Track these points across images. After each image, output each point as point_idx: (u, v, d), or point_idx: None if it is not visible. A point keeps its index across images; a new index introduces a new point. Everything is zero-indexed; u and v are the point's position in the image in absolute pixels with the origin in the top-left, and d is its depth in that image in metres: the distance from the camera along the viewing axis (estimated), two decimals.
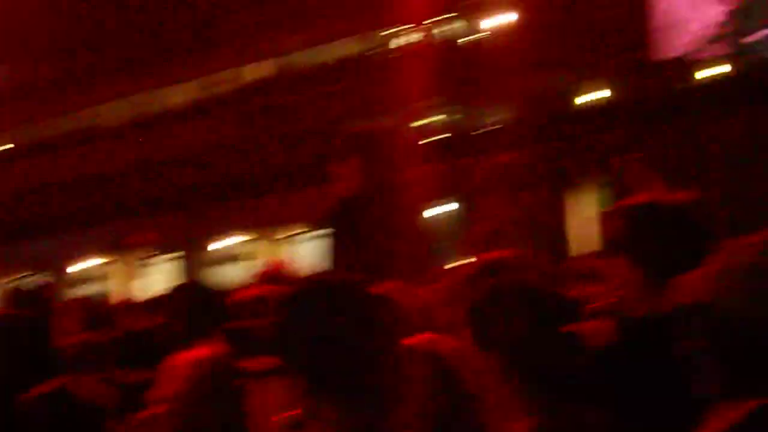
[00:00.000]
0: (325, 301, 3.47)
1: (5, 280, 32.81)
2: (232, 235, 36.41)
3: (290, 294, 3.62)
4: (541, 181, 28.40)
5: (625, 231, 4.75)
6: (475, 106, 34.86)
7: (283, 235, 35.80)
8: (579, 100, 32.29)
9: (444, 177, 32.95)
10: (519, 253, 5.64)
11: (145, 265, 37.62)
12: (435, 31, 37.20)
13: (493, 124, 34.65)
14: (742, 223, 4.65)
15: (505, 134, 32.03)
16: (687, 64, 28.12)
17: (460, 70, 33.42)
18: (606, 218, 5.19)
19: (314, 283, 3.78)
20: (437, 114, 36.96)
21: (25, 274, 36.16)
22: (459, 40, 36.20)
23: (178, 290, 7.48)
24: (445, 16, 37.19)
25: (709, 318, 3.00)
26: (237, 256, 35.86)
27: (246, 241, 36.54)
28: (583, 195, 30.26)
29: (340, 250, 7.46)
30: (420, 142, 35.04)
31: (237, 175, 35.25)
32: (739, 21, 26.67)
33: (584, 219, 29.47)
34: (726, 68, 28.07)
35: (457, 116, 35.61)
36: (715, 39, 27.73)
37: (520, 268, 5.35)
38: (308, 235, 33.14)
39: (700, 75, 28.59)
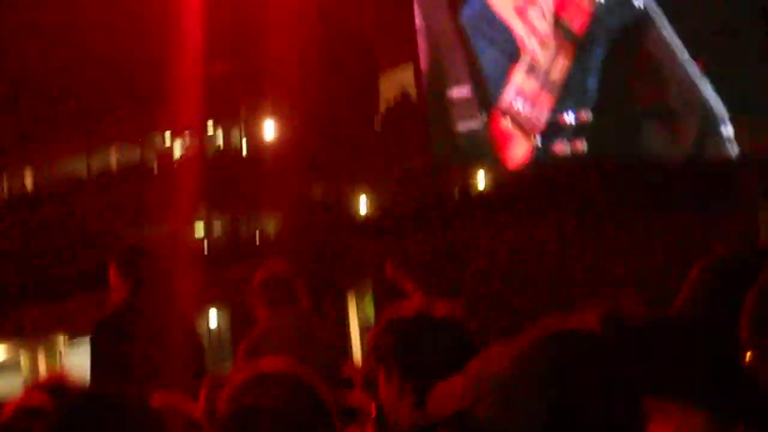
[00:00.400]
0: (94, 415, 3.43)
1: None
2: None
3: (59, 408, 3.56)
4: (317, 290, 28.55)
5: (390, 344, 4.84)
6: (249, 214, 35.03)
7: (54, 344, 35.00)
8: (360, 209, 32.83)
9: (216, 285, 33.01)
10: (283, 365, 5.67)
11: None
12: (210, 138, 37.34)
13: (266, 233, 34.90)
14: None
15: (279, 243, 32.23)
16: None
17: (236, 177, 33.60)
18: (372, 332, 5.27)
19: (83, 397, 3.72)
20: (211, 222, 37.05)
21: None
22: (235, 148, 36.42)
23: None
24: (218, 123, 37.44)
25: (467, 428, 3.06)
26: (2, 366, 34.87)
27: (12, 350, 35.56)
28: (361, 303, 30.62)
29: (111, 360, 7.40)
30: (192, 251, 34.97)
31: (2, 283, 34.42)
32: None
33: (362, 327, 29.83)
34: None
35: (231, 224, 35.71)
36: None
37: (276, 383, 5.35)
38: (80, 343, 32.47)
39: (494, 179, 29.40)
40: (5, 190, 38.31)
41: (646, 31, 11.48)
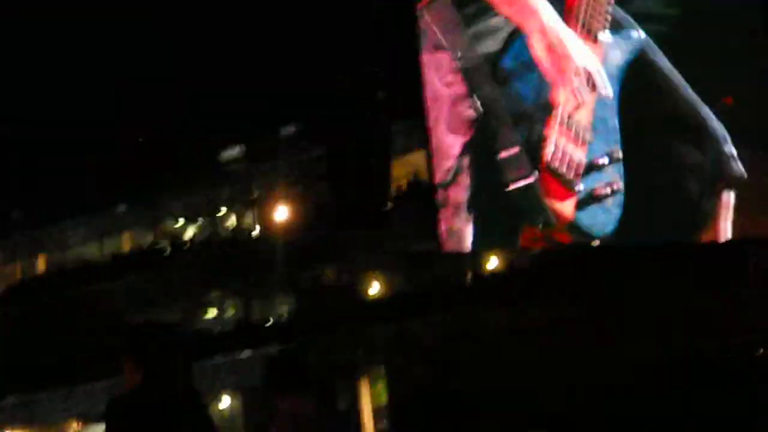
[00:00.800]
0: None
1: None
2: None
3: None
4: (329, 376, 28.58)
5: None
6: (259, 298, 35.15)
7: (67, 429, 34.99)
8: (371, 291, 32.95)
9: (228, 369, 33.10)
10: None
11: None
12: (218, 225, 37.59)
13: (277, 316, 34.98)
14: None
15: (291, 324, 32.34)
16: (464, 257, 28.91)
17: (248, 261, 33.74)
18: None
19: None
20: (222, 306, 37.14)
21: None
22: (243, 234, 36.63)
23: None
24: (225, 211, 37.72)
25: None
26: None
27: None
28: (374, 388, 30.62)
29: None
30: (204, 334, 35.05)
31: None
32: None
33: (375, 411, 29.85)
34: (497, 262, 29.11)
35: (242, 308, 35.81)
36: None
37: None
38: (93, 429, 32.53)
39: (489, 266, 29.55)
40: (18, 273, 38.53)
41: (649, 60, 11.75)
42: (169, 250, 37.96)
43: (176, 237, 38.86)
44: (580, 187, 11.70)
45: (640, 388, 21.01)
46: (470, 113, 11.68)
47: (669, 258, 21.67)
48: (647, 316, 23.08)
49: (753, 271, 21.28)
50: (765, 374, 21.26)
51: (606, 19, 11.35)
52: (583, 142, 11.70)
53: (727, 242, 14.19)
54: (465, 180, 12.18)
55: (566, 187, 11.58)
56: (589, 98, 11.24)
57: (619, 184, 11.31)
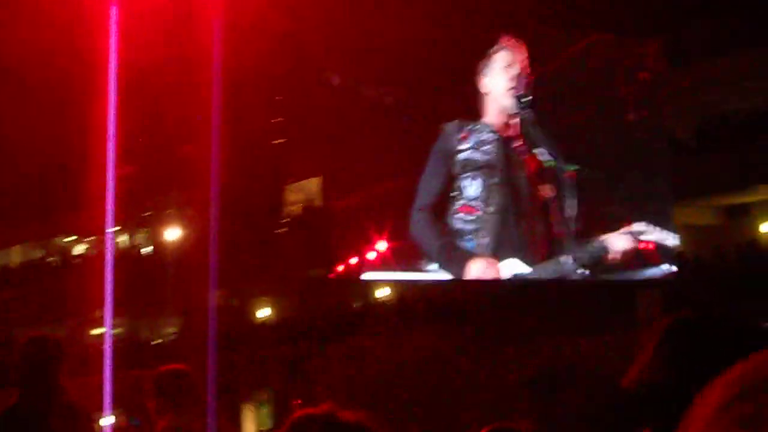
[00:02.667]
0: None
1: None
2: None
3: None
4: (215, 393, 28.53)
5: None
6: (151, 316, 35.04)
7: None
8: (258, 315, 33.05)
9: (119, 387, 32.70)
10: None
11: None
12: (116, 240, 37.30)
13: (168, 335, 34.89)
14: None
15: (180, 345, 32.24)
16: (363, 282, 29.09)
17: (138, 280, 33.60)
18: None
19: None
20: (113, 323, 36.89)
21: None
22: (140, 251, 36.53)
23: None
24: (123, 227, 37.52)
25: None
26: None
27: None
28: (258, 411, 30.66)
29: None
30: (95, 351, 34.75)
31: None
32: None
33: None
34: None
35: (133, 326, 35.64)
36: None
37: None
38: None
39: (378, 293, 29.83)
40: None
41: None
42: (58, 265, 37.71)
43: (66, 253, 38.63)
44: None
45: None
46: None
47: (552, 291, 22.10)
48: (527, 347, 23.50)
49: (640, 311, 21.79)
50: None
51: None
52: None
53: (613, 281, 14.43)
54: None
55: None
56: None
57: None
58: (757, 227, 24.62)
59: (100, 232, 34.57)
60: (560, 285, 17.54)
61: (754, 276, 22.29)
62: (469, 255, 10.54)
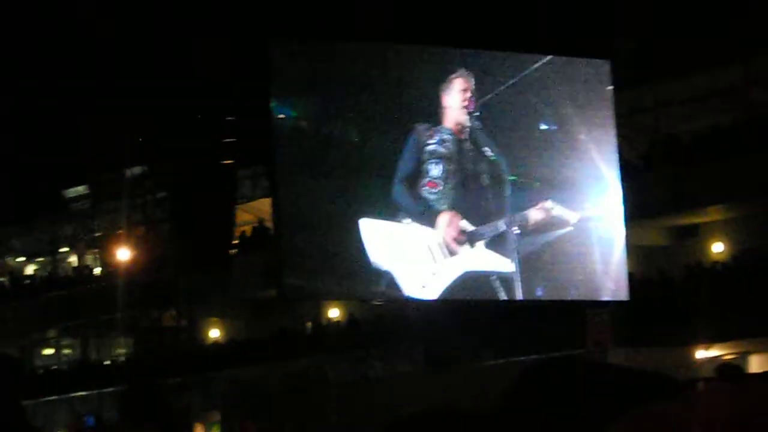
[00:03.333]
0: None
1: None
2: None
3: None
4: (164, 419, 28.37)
5: None
6: (98, 338, 34.92)
7: None
8: (211, 336, 32.97)
9: (63, 407, 32.63)
10: None
11: None
12: (60, 263, 37.27)
13: (114, 357, 34.72)
14: None
15: (128, 366, 32.15)
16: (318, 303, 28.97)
17: (89, 302, 33.42)
18: None
19: None
20: (59, 345, 36.67)
21: None
22: (84, 273, 36.33)
23: None
24: (67, 249, 37.41)
25: None
26: None
27: None
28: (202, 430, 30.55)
29: None
30: (41, 372, 34.58)
31: None
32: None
33: None
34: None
35: (80, 348, 35.49)
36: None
37: None
38: None
39: (332, 314, 29.78)
40: None
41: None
42: (8, 285, 37.47)
43: (16, 273, 38.34)
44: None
45: None
46: None
47: (501, 311, 22.25)
48: (475, 366, 23.61)
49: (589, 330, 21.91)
50: None
51: None
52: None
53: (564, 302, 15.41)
54: None
55: None
56: None
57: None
58: (706, 248, 24.80)
59: (50, 252, 34.07)
60: (510, 305, 17.75)
61: (702, 297, 22.47)
62: (437, 211, 14.58)
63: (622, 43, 23.13)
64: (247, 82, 23.86)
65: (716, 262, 24.00)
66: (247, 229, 31.99)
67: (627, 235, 16.23)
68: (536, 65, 15.59)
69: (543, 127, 15.63)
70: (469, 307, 20.30)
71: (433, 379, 24.14)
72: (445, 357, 24.86)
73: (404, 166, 14.58)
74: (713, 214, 24.49)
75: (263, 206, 29.88)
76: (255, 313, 31.09)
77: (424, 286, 14.64)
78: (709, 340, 22.10)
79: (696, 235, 25.31)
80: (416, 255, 14.58)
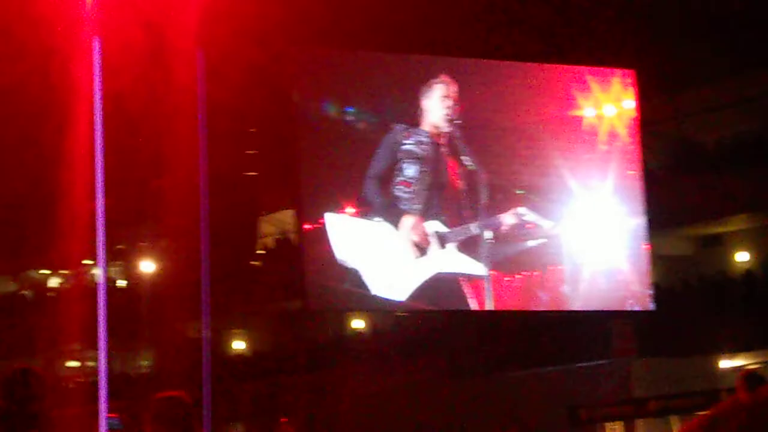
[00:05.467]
0: None
1: None
2: None
3: None
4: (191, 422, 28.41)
5: None
6: (129, 349, 34.98)
7: None
8: (236, 346, 33.00)
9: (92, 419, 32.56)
10: None
11: None
12: (90, 274, 37.28)
13: (146, 368, 34.80)
14: None
15: (159, 378, 32.18)
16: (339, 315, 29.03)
17: (114, 313, 33.48)
18: None
19: None
20: (91, 356, 36.75)
21: None
22: (115, 284, 36.41)
23: None
24: (97, 261, 37.41)
25: None
26: None
27: None
28: None
29: None
30: (73, 383, 34.69)
31: None
32: None
33: None
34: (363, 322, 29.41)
35: (111, 359, 35.55)
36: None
37: None
38: None
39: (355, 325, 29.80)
40: None
41: None
42: (32, 298, 37.59)
43: (40, 286, 38.48)
44: None
45: None
46: None
47: (524, 321, 22.23)
48: (499, 376, 23.59)
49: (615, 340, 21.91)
50: None
51: None
52: None
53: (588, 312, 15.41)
54: None
55: None
56: None
57: None
58: (730, 257, 24.72)
59: (75, 265, 34.26)
60: (534, 315, 17.71)
61: (725, 306, 22.41)
62: (402, 212, 14.50)
63: (646, 52, 23.08)
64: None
65: (740, 272, 23.92)
66: (270, 240, 32.08)
67: (651, 245, 16.20)
68: (522, 73, 15.87)
69: (523, 135, 15.63)
70: (491, 317, 20.28)
71: (456, 389, 24.13)
72: (468, 367, 24.83)
73: (377, 163, 14.54)
74: (737, 223, 24.41)
75: (286, 217, 29.97)
76: (279, 325, 31.13)
77: (391, 286, 14.51)
78: (733, 350, 22.01)
79: (720, 244, 25.24)
80: (384, 253, 14.51)
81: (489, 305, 14.84)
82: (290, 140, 15.33)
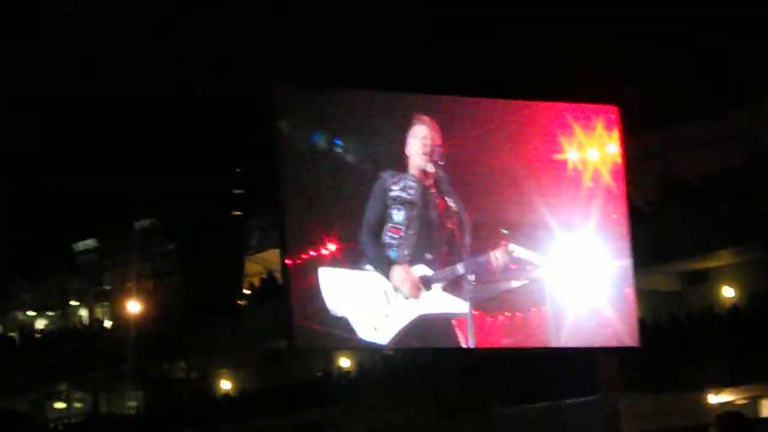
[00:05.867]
0: None
1: None
2: None
3: None
4: None
5: None
6: (108, 391, 34.87)
7: None
8: (223, 386, 32.91)
9: None
10: None
11: None
12: (69, 316, 37.27)
13: (125, 410, 34.67)
14: None
15: (139, 419, 32.08)
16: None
17: (98, 354, 33.42)
18: None
19: None
20: (70, 398, 36.63)
21: None
22: (94, 327, 36.32)
23: None
24: (82, 300, 37.40)
25: None
26: None
27: None
28: None
29: None
30: (52, 426, 34.53)
31: None
32: None
33: None
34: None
35: (90, 401, 35.43)
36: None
37: None
38: None
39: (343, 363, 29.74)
40: None
41: None
42: (19, 339, 37.46)
43: (27, 327, 38.37)
44: None
45: None
46: None
47: (511, 358, 22.21)
48: (487, 413, 23.56)
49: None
50: None
51: None
52: None
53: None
54: None
55: None
56: None
57: None
58: (717, 293, 24.75)
59: (60, 306, 34.08)
60: (520, 352, 17.69)
61: (712, 341, 22.41)
62: (393, 262, 14.56)
63: (630, 89, 23.14)
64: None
65: (727, 307, 23.93)
66: (256, 280, 32.03)
67: (637, 281, 16.15)
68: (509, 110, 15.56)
69: (508, 172, 15.46)
70: (479, 354, 20.25)
71: (444, 428, 24.06)
72: (455, 405, 24.77)
73: (371, 213, 14.59)
74: (724, 259, 24.44)
75: (272, 257, 29.93)
76: (265, 364, 31.05)
77: (376, 328, 14.53)
78: (720, 385, 22.00)
79: (707, 279, 25.26)
80: (371, 298, 14.48)
81: (471, 343, 14.57)
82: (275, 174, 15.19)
